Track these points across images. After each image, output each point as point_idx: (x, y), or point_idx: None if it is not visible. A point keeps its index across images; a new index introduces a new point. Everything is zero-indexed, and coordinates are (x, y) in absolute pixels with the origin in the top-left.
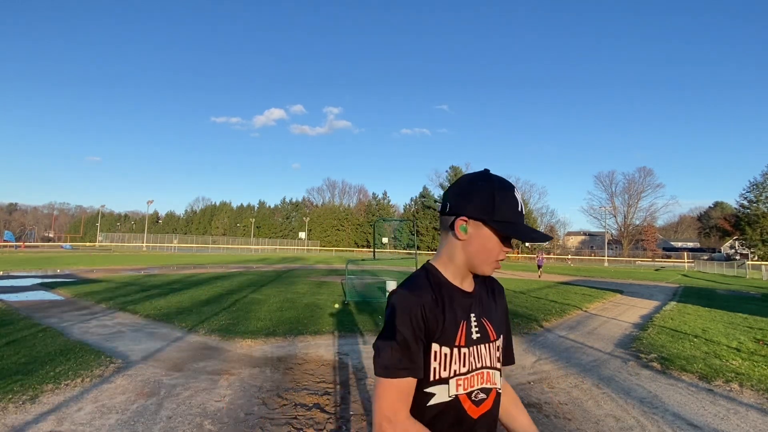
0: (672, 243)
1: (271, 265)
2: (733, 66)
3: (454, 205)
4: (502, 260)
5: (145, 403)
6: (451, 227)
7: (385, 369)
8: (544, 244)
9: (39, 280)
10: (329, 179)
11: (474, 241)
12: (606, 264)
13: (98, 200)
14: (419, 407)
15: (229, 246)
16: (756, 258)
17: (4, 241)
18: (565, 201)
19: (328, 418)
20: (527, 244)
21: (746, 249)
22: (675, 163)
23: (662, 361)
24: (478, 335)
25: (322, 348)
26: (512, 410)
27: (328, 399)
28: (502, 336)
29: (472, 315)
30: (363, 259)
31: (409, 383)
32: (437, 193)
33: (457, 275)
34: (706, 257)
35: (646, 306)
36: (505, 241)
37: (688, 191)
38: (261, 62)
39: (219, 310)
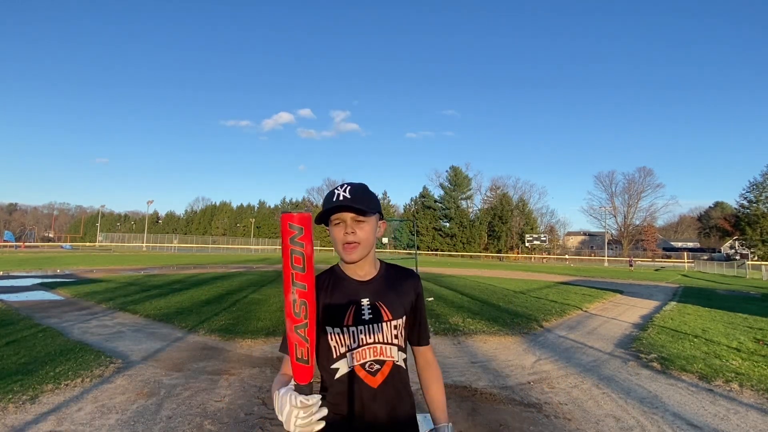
0: (672, 243)
1: (271, 265)
2: (733, 66)
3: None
4: (350, 242)
5: (145, 403)
6: None
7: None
8: (544, 243)
9: (39, 280)
10: (329, 179)
11: (331, 238)
12: (606, 264)
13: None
14: (330, 382)
15: (229, 246)
16: (756, 258)
17: (4, 241)
18: (565, 201)
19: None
20: (527, 244)
21: (746, 249)
22: (675, 163)
23: (662, 361)
24: (371, 316)
25: None
26: (431, 384)
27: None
28: (404, 317)
29: (364, 299)
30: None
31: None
32: (437, 193)
33: (352, 268)
34: (706, 257)
35: (646, 306)
36: (335, 227)
37: (688, 191)
38: (267, 65)
39: (219, 310)
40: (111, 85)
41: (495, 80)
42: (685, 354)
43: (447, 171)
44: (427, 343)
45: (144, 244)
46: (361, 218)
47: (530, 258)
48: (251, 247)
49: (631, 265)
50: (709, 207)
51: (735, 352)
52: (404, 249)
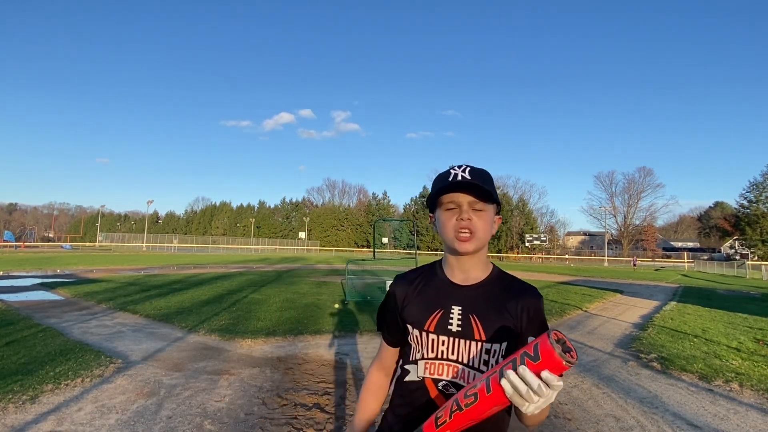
0: (672, 243)
1: (271, 265)
2: (733, 66)
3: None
4: (462, 229)
5: (145, 403)
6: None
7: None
8: (544, 243)
9: (39, 280)
10: (329, 179)
11: (440, 226)
12: (606, 264)
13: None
14: (401, 381)
15: (229, 246)
16: (756, 258)
17: (4, 241)
18: (565, 201)
19: (328, 418)
20: (527, 244)
21: (746, 249)
22: (675, 163)
23: (662, 361)
24: (459, 329)
25: (322, 348)
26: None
27: (328, 399)
28: (506, 343)
29: (456, 307)
30: (363, 259)
31: (387, 349)
32: None
33: (453, 268)
34: (706, 257)
35: (646, 306)
36: (447, 212)
37: (688, 191)
38: (268, 66)
39: (219, 310)
40: (111, 85)
41: (495, 80)
42: (685, 354)
43: None
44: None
45: (144, 244)
46: (479, 205)
47: (530, 258)
48: (251, 247)
49: (634, 265)
50: (709, 207)
51: (735, 352)
52: (404, 249)
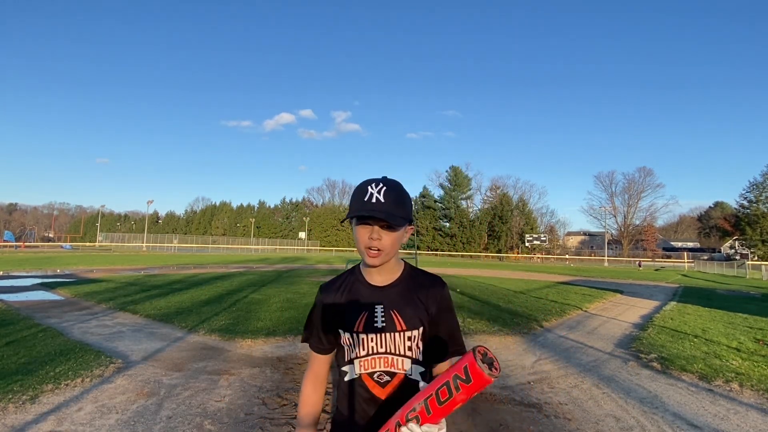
0: (672, 243)
1: (271, 265)
2: (733, 66)
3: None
4: (374, 248)
5: (145, 403)
6: None
7: (303, 335)
8: (544, 243)
9: (39, 280)
10: (329, 179)
11: (353, 236)
12: (606, 264)
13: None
14: (341, 383)
15: (229, 246)
16: (756, 258)
17: (4, 241)
18: (565, 201)
19: (328, 418)
20: (527, 244)
21: (746, 249)
22: (675, 163)
23: (662, 361)
24: (384, 324)
25: None
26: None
27: (327, 399)
28: (421, 328)
29: (379, 306)
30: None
31: (317, 357)
32: (437, 193)
33: (370, 272)
34: (706, 257)
35: (646, 306)
36: (361, 228)
37: (688, 191)
38: (269, 66)
39: (219, 310)
40: (111, 85)
41: (495, 80)
42: (685, 354)
43: (447, 171)
44: (462, 353)
45: (144, 244)
46: (388, 227)
47: (530, 258)
48: (251, 247)
49: (639, 266)
50: (709, 207)
51: (735, 352)
52: (404, 249)
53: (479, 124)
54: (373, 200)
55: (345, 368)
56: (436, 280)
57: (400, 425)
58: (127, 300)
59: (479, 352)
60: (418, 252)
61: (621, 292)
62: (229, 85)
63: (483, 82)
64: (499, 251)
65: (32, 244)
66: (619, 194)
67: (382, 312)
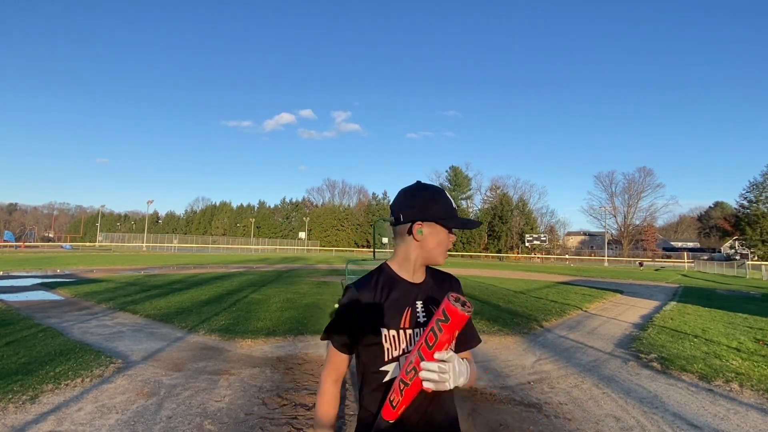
0: (672, 243)
1: (271, 265)
2: (733, 66)
3: (407, 214)
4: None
5: (145, 403)
6: (409, 232)
7: (325, 333)
8: (544, 243)
9: (39, 280)
10: (329, 179)
11: (430, 239)
12: (606, 264)
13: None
14: (378, 385)
15: (229, 246)
16: (756, 258)
17: (4, 241)
18: (565, 201)
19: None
20: (527, 244)
21: (746, 249)
22: (675, 163)
23: (662, 361)
24: (425, 318)
25: (322, 348)
26: None
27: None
28: None
29: (418, 302)
30: (363, 259)
31: (341, 357)
32: None
33: (408, 270)
34: (706, 257)
35: (646, 306)
36: (449, 234)
37: (688, 191)
38: (270, 66)
39: (219, 310)
40: (111, 85)
41: (495, 80)
42: (685, 354)
43: (447, 171)
44: (471, 347)
45: (144, 244)
46: None
47: (530, 258)
48: (251, 247)
49: (641, 265)
50: (709, 207)
51: (735, 352)
52: None
53: (479, 124)
54: (456, 207)
55: (386, 368)
56: (453, 277)
57: (404, 381)
58: (127, 300)
59: (452, 296)
60: None
61: (621, 292)
62: (229, 85)
63: (483, 82)
64: (499, 251)
65: (32, 244)
66: (619, 194)
67: (422, 307)
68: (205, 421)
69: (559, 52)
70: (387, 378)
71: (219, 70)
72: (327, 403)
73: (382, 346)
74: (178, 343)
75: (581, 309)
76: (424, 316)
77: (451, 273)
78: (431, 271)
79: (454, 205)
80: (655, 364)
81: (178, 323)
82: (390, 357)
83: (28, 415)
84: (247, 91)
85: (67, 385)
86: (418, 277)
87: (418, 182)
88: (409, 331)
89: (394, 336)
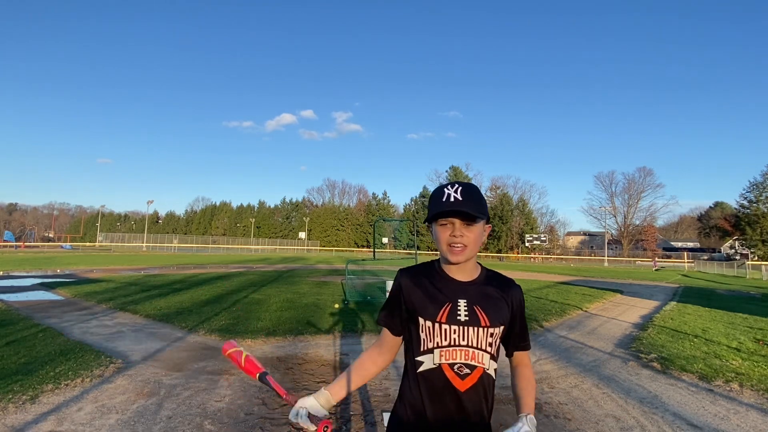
0: (672, 243)
1: (271, 265)
2: (733, 66)
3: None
4: (456, 245)
5: (145, 403)
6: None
7: (378, 317)
8: (544, 243)
9: (39, 280)
10: (329, 179)
11: (437, 237)
12: (606, 264)
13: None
14: (413, 374)
15: (229, 246)
16: (756, 258)
17: (4, 241)
18: (565, 201)
19: (328, 419)
20: (527, 244)
21: (746, 249)
22: (675, 163)
23: (662, 361)
24: (467, 318)
25: (322, 348)
26: (523, 388)
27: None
28: (502, 327)
29: (462, 300)
30: (363, 259)
31: (385, 333)
32: None
33: (451, 269)
34: (706, 257)
35: (646, 306)
36: (441, 228)
37: (688, 191)
38: (270, 67)
39: (219, 310)
40: (112, 86)
41: (495, 81)
42: (685, 354)
43: (447, 171)
44: (527, 349)
45: (144, 244)
46: (469, 223)
47: (531, 258)
48: (251, 247)
49: (655, 266)
50: (709, 207)
51: (735, 352)
52: (404, 249)
53: (479, 124)
54: (452, 199)
55: (421, 358)
56: (514, 283)
57: None
58: (127, 300)
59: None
60: (418, 252)
61: (621, 292)
62: (230, 85)
63: (483, 82)
64: (499, 251)
65: (32, 244)
66: (619, 194)
67: (465, 306)
68: (205, 421)
69: (559, 52)
70: (421, 368)
71: (220, 71)
72: (360, 367)
73: (419, 336)
74: (178, 343)
75: (581, 309)
76: (466, 316)
77: (513, 279)
78: (489, 273)
79: (445, 197)
80: (655, 364)
81: (178, 323)
82: (425, 348)
83: (28, 415)
84: (249, 92)
85: (67, 385)
86: (466, 276)
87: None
88: (445, 326)
89: (429, 327)
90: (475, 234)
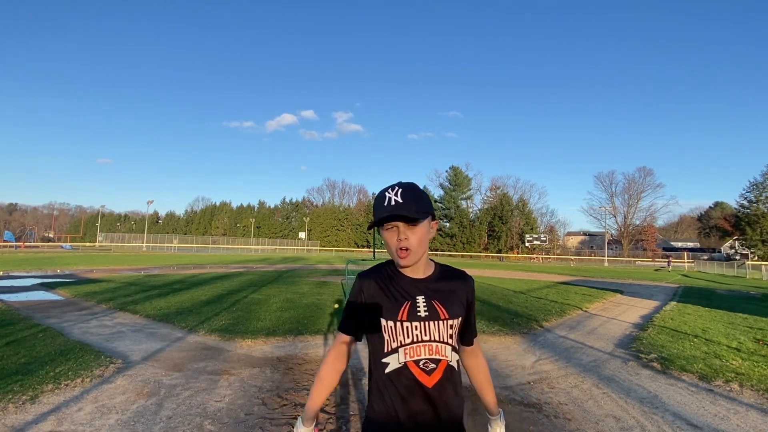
0: (672, 243)
1: (272, 265)
2: (733, 66)
3: None
4: (403, 248)
5: (145, 403)
6: None
7: (340, 324)
8: (544, 243)
9: (39, 280)
10: (329, 179)
11: (384, 242)
12: (606, 264)
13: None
14: (381, 376)
15: (229, 246)
16: (756, 258)
17: (4, 241)
18: (565, 201)
19: (329, 418)
20: (527, 244)
21: (746, 249)
22: (675, 163)
23: (662, 361)
24: (427, 313)
25: (322, 348)
26: (484, 385)
27: (328, 399)
28: (459, 318)
29: (420, 297)
30: (363, 259)
31: (342, 337)
32: (437, 193)
33: (405, 269)
34: (706, 257)
35: (646, 306)
36: (388, 232)
37: (688, 191)
38: (271, 67)
39: (219, 310)
40: (112, 86)
41: (495, 81)
42: (685, 354)
43: (447, 171)
44: (476, 336)
45: (144, 244)
46: (413, 224)
47: (531, 258)
48: (251, 247)
49: (669, 265)
50: (709, 207)
51: (735, 352)
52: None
53: (479, 124)
54: (392, 203)
55: (387, 359)
56: (466, 275)
57: None
58: (127, 300)
59: None
60: None
61: (621, 292)
62: (230, 85)
63: (483, 82)
64: (499, 251)
65: (32, 244)
66: (619, 194)
67: (424, 302)
68: (205, 421)
69: (559, 53)
70: (388, 369)
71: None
72: (324, 383)
73: (383, 337)
74: (178, 344)
75: (581, 309)
76: (426, 311)
77: (465, 271)
78: (443, 268)
79: (387, 201)
80: (655, 364)
81: (178, 323)
82: (390, 348)
83: (28, 415)
84: (249, 93)
85: (67, 385)
86: (421, 273)
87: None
88: (406, 324)
89: (392, 327)
90: (419, 235)
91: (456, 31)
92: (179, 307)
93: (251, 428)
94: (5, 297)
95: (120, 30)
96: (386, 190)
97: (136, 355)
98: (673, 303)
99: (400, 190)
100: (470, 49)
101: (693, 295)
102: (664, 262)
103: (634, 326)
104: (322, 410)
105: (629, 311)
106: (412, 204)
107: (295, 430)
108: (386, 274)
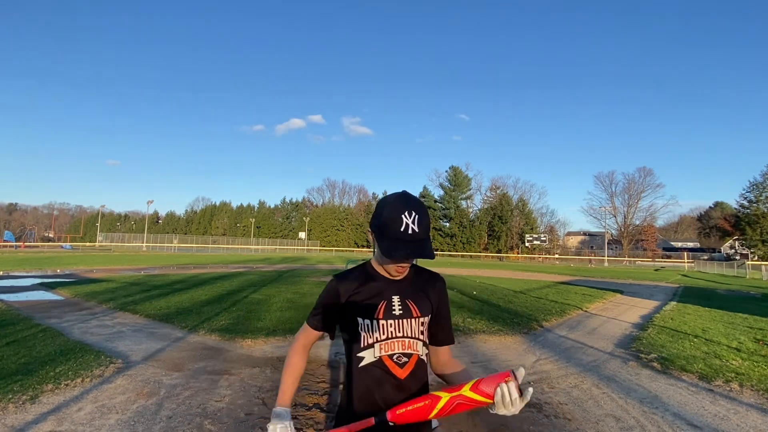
0: (672, 243)
1: (272, 265)
2: (733, 66)
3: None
4: (402, 266)
5: (145, 403)
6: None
7: (309, 318)
8: (544, 243)
9: (39, 280)
10: (329, 179)
11: (380, 252)
12: (606, 264)
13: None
14: (355, 370)
15: (229, 246)
16: (756, 258)
17: (4, 241)
18: (565, 201)
19: (329, 418)
20: (527, 244)
21: (746, 249)
22: (675, 163)
23: (662, 361)
24: (401, 312)
25: (321, 348)
26: (460, 372)
27: (328, 399)
28: (430, 315)
29: (395, 296)
30: (363, 259)
31: (311, 332)
32: (437, 193)
33: (382, 268)
34: (706, 257)
35: (646, 306)
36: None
37: (688, 191)
38: (276, 69)
39: (219, 310)
40: (113, 86)
41: (495, 81)
42: (685, 354)
43: (447, 171)
44: (451, 343)
45: (144, 244)
46: None
47: (531, 258)
48: (251, 247)
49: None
50: (709, 207)
51: (735, 352)
52: None
53: (479, 124)
54: (410, 231)
55: (362, 354)
56: (437, 276)
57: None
58: (127, 300)
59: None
60: None
61: (621, 292)
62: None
63: (482, 82)
64: (499, 251)
65: (32, 244)
66: (619, 194)
67: (399, 301)
68: (205, 421)
69: (559, 53)
70: (363, 363)
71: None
72: (291, 375)
73: (359, 333)
74: (178, 343)
75: (581, 309)
76: (400, 310)
77: (439, 273)
78: (417, 269)
79: (403, 226)
80: (655, 364)
81: (179, 323)
82: (366, 344)
83: (28, 415)
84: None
85: (67, 385)
86: (394, 275)
87: (402, 192)
88: (382, 322)
89: (368, 325)
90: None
91: (456, 30)
92: (179, 307)
93: (251, 428)
94: (5, 297)
95: (120, 30)
96: (402, 212)
97: (136, 355)
98: (673, 303)
99: (417, 216)
100: (470, 49)
101: (693, 295)
102: (651, 261)
103: (634, 326)
104: (321, 410)
105: (629, 311)
106: (428, 239)
107: (270, 426)
108: (363, 276)
